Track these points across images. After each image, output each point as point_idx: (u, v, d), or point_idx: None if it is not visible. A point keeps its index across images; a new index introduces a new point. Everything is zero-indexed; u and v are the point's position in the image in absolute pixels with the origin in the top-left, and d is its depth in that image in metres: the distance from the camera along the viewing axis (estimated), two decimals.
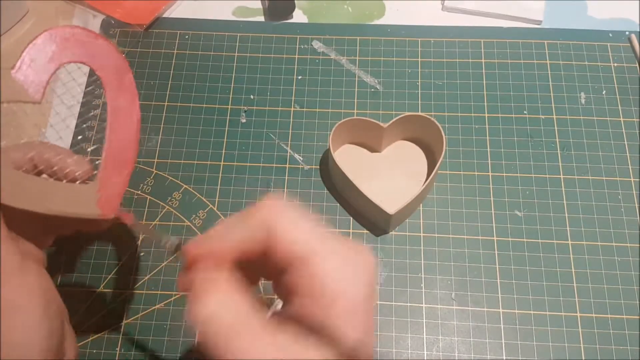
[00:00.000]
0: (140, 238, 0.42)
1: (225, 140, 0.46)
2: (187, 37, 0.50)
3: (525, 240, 0.42)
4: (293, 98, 0.47)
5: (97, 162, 0.28)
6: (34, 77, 0.26)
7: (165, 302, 0.40)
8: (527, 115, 0.46)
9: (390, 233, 0.42)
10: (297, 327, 0.21)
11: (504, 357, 0.38)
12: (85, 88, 0.48)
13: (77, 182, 0.28)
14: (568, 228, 0.42)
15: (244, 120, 0.47)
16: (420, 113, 0.43)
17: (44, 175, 0.28)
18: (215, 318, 0.20)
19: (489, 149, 0.45)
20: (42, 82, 0.26)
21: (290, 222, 0.21)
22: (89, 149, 0.45)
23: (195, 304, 0.21)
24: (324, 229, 0.22)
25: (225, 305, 0.21)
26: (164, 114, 0.47)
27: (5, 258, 0.23)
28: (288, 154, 0.45)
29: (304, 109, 0.47)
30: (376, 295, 0.30)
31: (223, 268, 0.22)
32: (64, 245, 0.42)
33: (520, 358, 0.38)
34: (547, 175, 0.44)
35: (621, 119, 0.46)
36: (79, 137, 0.46)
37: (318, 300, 0.20)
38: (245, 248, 0.22)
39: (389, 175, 0.44)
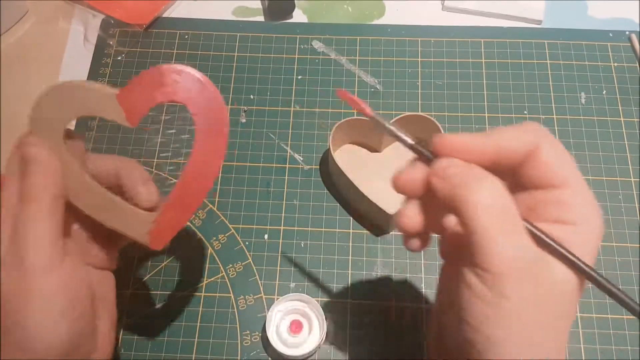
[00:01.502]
0: None
1: None
2: (186, 37, 0.50)
3: None
4: (293, 98, 0.47)
5: (166, 190, 0.28)
6: (138, 106, 0.27)
7: (165, 302, 0.40)
8: (527, 115, 0.46)
9: (390, 233, 0.42)
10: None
11: None
12: None
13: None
14: None
15: (244, 120, 0.47)
16: (420, 113, 0.43)
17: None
18: (495, 202, 0.20)
19: None
20: (141, 113, 0.27)
21: (559, 147, 0.22)
22: (89, 149, 0.46)
23: (472, 186, 0.21)
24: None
25: (503, 193, 0.21)
26: (163, 114, 0.47)
27: (42, 244, 0.24)
28: (288, 154, 0.45)
29: (304, 109, 0.47)
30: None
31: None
32: None
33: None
34: None
35: (621, 119, 0.46)
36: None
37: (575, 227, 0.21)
38: (510, 147, 0.22)
39: (389, 175, 0.44)
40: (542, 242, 0.21)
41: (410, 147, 0.26)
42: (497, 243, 0.20)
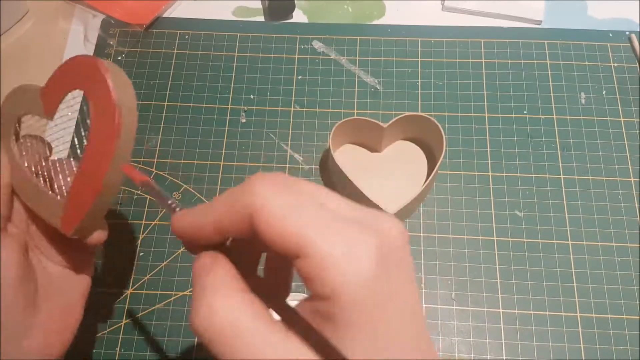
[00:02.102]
0: (140, 238, 0.42)
1: (225, 140, 0.46)
2: (187, 37, 0.50)
3: (525, 240, 0.42)
4: (293, 98, 0.47)
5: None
6: (53, 99, 0.30)
7: (165, 302, 0.40)
8: (527, 115, 0.46)
9: None
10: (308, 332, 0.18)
11: (504, 357, 0.38)
12: None
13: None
14: (568, 228, 0.42)
15: (244, 120, 0.47)
16: (420, 113, 0.43)
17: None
18: (219, 326, 0.18)
19: (489, 149, 0.45)
20: (54, 106, 0.30)
21: (279, 209, 0.18)
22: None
23: (198, 307, 0.18)
24: (322, 206, 0.18)
25: (231, 309, 0.18)
26: (163, 114, 0.47)
27: None
28: (288, 154, 0.45)
29: (304, 109, 0.47)
30: (406, 271, 0.19)
31: (217, 252, 0.20)
32: None
33: (520, 358, 0.38)
34: (547, 175, 0.44)
35: (621, 119, 0.46)
36: (79, 137, 0.46)
37: (320, 302, 0.18)
38: (227, 225, 0.19)
39: (389, 175, 0.44)
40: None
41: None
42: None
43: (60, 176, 0.30)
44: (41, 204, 0.29)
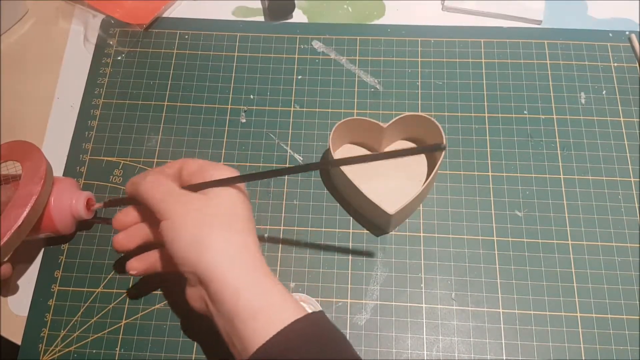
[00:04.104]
0: None
1: (225, 140, 0.46)
2: (186, 37, 0.50)
3: (525, 240, 0.42)
4: (293, 98, 0.47)
5: None
6: None
7: (165, 302, 0.40)
8: (527, 115, 0.46)
9: (390, 233, 0.42)
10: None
11: (504, 357, 0.38)
12: (85, 88, 0.48)
13: None
14: (568, 228, 0.42)
15: (243, 120, 0.47)
16: (420, 113, 0.43)
17: None
18: (152, 185, 0.33)
19: (489, 149, 0.45)
20: None
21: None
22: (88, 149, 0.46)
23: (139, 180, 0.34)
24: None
25: (160, 179, 0.34)
26: (163, 114, 0.47)
27: None
28: (288, 154, 0.45)
29: (304, 109, 0.47)
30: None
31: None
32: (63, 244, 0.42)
33: (520, 358, 0.38)
34: (547, 175, 0.44)
35: (621, 119, 0.46)
36: (79, 137, 0.46)
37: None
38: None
39: (389, 175, 0.44)
40: (199, 187, 0.33)
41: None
42: (153, 196, 0.33)
43: None
44: None
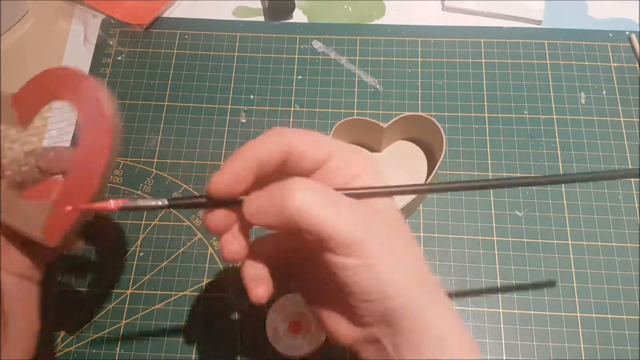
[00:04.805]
0: (140, 238, 0.42)
1: (225, 140, 0.46)
2: (187, 37, 0.50)
3: (525, 240, 0.42)
4: (293, 98, 0.47)
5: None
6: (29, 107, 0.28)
7: (165, 302, 0.40)
8: (527, 115, 0.46)
9: None
10: None
11: (504, 357, 0.38)
12: None
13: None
14: (568, 228, 0.42)
15: (243, 120, 0.47)
16: (420, 113, 0.43)
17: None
18: (307, 202, 0.22)
19: (489, 149, 0.45)
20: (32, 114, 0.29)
21: (304, 132, 0.24)
22: None
23: (283, 200, 0.22)
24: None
25: (314, 188, 0.22)
26: (163, 114, 0.47)
27: None
28: None
29: (304, 109, 0.47)
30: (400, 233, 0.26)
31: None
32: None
33: (520, 358, 0.38)
34: None
35: (621, 119, 0.46)
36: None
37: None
38: (268, 157, 0.24)
39: (389, 175, 0.44)
40: (358, 196, 0.24)
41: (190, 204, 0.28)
42: (337, 225, 0.22)
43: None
44: (12, 213, 0.27)
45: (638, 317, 0.39)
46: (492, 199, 0.43)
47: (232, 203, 0.24)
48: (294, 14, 0.52)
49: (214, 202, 0.25)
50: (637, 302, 0.39)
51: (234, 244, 0.25)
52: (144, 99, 0.48)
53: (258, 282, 0.26)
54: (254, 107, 0.47)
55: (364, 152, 0.25)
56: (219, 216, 0.25)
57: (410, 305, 0.22)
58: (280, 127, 0.25)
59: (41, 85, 0.28)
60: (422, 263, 0.24)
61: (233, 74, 0.49)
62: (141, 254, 0.41)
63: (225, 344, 0.38)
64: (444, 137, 0.41)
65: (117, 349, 0.38)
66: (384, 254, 0.22)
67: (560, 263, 0.41)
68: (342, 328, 0.25)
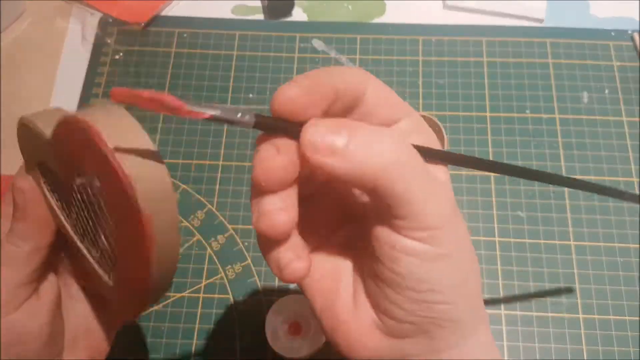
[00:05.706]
0: None
1: (224, 139, 0.45)
2: (185, 35, 0.50)
3: (527, 241, 0.41)
4: None
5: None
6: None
7: (164, 303, 0.39)
8: (529, 115, 0.46)
9: None
10: None
11: (506, 359, 0.38)
12: (83, 87, 0.48)
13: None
14: (570, 229, 0.42)
15: None
16: (421, 112, 0.43)
17: None
18: (401, 161, 0.17)
19: (490, 149, 0.45)
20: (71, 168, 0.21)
21: (382, 85, 0.20)
22: None
23: (370, 146, 0.17)
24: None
25: (409, 147, 0.18)
26: (161, 114, 0.46)
27: (5, 288, 0.23)
28: None
29: None
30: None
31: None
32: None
33: (522, 359, 0.38)
34: None
35: (624, 119, 0.46)
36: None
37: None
38: (350, 87, 0.19)
39: None
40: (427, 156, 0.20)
41: (254, 125, 0.18)
42: (426, 199, 0.18)
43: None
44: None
45: None
46: (493, 199, 0.43)
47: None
48: (294, 12, 0.51)
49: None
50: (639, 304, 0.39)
51: (284, 213, 0.18)
52: None
53: (296, 257, 0.19)
54: (254, 107, 0.47)
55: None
56: (282, 162, 0.18)
57: (466, 324, 0.20)
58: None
59: (79, 144, 0.19)
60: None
61: (232, 73, 0.48)
62: None
63: (224, 345, 0.38)
64: (445, 136, 0.40)
65: (116, 349, 0.38)
66: (459, 246, 0.19)
67: (563, 264, 0.40)
68: (364, 336, 0.20)
